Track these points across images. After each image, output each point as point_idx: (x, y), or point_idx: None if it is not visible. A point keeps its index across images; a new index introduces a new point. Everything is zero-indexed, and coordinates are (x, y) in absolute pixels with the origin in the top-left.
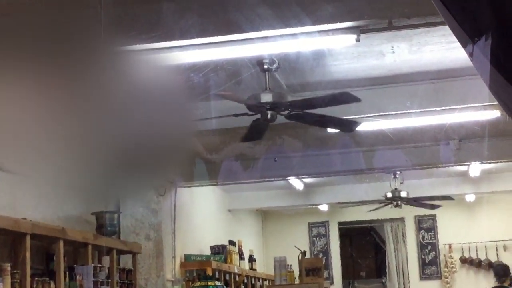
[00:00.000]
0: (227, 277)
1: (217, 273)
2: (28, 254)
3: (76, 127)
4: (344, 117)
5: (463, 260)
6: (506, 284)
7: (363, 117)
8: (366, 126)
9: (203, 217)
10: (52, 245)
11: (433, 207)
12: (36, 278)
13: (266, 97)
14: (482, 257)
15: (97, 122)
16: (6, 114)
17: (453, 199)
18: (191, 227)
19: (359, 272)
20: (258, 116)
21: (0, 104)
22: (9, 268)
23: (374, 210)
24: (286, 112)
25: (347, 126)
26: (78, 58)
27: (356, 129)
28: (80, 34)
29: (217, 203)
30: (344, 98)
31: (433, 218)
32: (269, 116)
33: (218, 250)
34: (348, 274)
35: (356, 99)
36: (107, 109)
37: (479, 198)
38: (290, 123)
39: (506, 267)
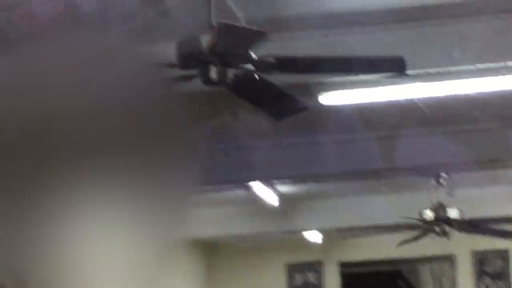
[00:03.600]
0: None
1: None
2: None
3: None
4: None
5: None
6: None
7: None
8: (383, 94)
9: (94, 249)
10: None
11: (506, 235)
12: None
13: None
14: None
15: None
16: None
17: None
18: None
19: None
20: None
21: None
22: None
23: (402, 243)
24: (246, 65)
25: (390, 66)
26: None
27: (365, 101)
28: None
29: (123, 228)
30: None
31: (504, 255)
32: (213, 74)
33: None
34: None
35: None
36: None
37: None
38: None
39: None
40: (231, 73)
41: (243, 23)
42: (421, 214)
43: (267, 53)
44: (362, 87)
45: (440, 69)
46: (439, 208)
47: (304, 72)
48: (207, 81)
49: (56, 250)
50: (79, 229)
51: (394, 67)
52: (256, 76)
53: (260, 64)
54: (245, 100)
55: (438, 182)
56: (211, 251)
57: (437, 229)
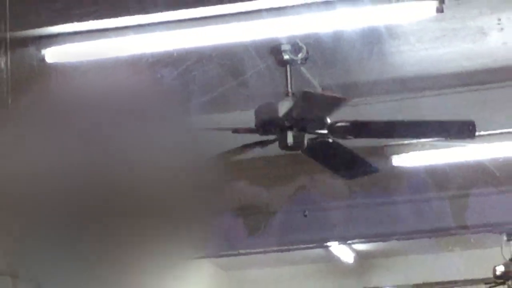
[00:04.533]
0: None
1: None
2: None
3: None
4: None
5: None
6: None
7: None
8: (453, 156)
9: None
10: None
11: None
12: None
13: (287, 108)
14: None
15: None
16: None
17: None
18: None
19: None
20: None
21: None
22: None
23: None
24: (322, 131)
25: (458, 131)
26: None
27: (435, 162)
28: None
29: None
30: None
31: None
32: (290, 139)
33: None
34: None
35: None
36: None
37: None
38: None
39: None
40: (306, 138)
41: (318, 90)
42: (494, 270)
43: (341, 118)
44: (432, 149)
45: (507, 130)
46: (510, 264)
47: (376, 136)
48: (285, 145)
49: None
50: None
51: (465, 132)
52: (330, 140)
53: (335, 129)
54: (321, 164)
55: (509, 238)
56: None
57: (510, 283)
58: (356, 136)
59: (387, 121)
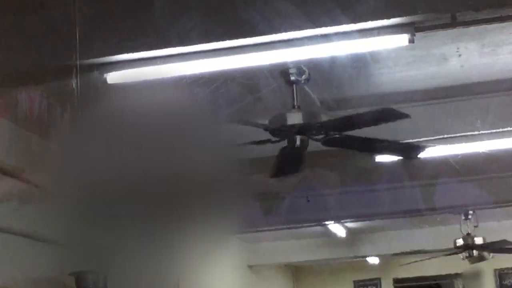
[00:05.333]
0: None
1: None
2: None
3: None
4: (403, 141)
5: None
6: None
7: (420, 141)
8: (424, 153)
9: (215, 275)
10: None
11: None
12: None
13: (295, 118)
14: None
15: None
16: None
17: None
18: None
19: None
20: (285, 143)
21: None
22: None
23: (435, 257)
24: (320, 137)
25: (407, 151)
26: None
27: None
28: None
29: (234, 257)
30: (387, 115)
31: None
32: (298, 142)
33: None
34: None
35: (403, 116)
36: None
37: None
38: (325, 150)
39: None
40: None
41: (318, 103)
42: (455, 242)
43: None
44: None
45: (465, 133)
46: (467, 237)
47: (355, 149)
48: (292, 146)
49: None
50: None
51: (414, 152)
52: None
53: (331, 139)
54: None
55: (466, 217)
56: (297, 272)
57: (467, 252)
58: (342, 147)
59: (363, 137)
